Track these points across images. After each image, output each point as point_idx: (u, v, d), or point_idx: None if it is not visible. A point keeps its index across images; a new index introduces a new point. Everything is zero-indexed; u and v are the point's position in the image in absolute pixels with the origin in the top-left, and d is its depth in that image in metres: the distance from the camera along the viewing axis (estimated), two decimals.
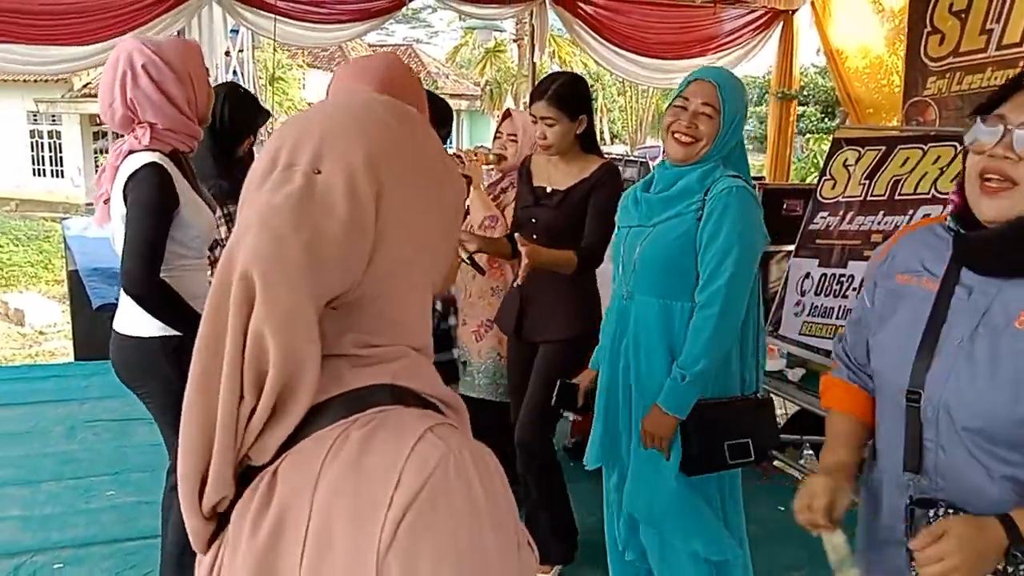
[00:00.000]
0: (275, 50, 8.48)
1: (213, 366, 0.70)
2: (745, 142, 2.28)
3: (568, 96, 2.69)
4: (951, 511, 1.29)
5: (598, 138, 2.92)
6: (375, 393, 0.72)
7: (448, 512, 0.67)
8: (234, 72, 7.46)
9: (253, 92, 8.07)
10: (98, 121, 22.17)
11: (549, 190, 2.79)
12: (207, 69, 2.35)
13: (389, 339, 0.76)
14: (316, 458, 0.70)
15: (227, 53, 6.62)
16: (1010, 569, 1.23)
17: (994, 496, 1.27)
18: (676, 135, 2.14)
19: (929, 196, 3.60)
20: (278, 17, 5.45)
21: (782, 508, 3.30)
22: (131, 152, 2.17)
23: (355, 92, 0.83)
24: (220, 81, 5.03)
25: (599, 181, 2.70)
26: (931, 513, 1.31)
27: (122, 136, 2.23)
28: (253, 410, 0.70)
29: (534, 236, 2.74)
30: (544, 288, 2.77)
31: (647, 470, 2.23)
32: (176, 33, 5.72)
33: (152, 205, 2.11)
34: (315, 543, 0.68)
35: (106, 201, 2.22)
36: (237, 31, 5.95)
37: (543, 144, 2.72)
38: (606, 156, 2.90)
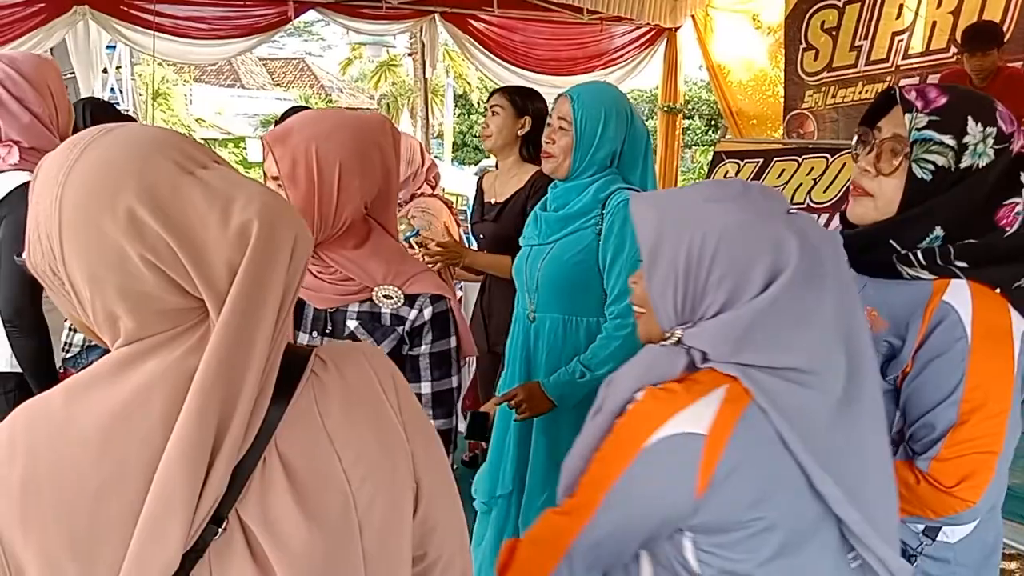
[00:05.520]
0: (156, 66, 8.22)
1: None
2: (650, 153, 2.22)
3: (520, 93, 2.81)
4: None
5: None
6: None
7: None
8: (112, 90, 7.17)
9: (134, 111, 7.75)
10: None
11: (493, 203, 2.81)
12: (65, 84, 2.24)
13: None
14: None
15: (105, 71, 6.36)
16: None
17: None
18: (541, 151, 2.16)
19: (804, 206, 3.78)
20: (157, 33, 5.28)
21: None
22: None
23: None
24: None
25: (533, 188, 2.68)
26: None
27: None
28: None
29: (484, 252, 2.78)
30: (502, 299, 2.74)
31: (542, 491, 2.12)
32: (50, 50, 5.48)
33: None
34: None
35: None
36: (115, 47, 5.72)
37: (484, 134, 2.80)
38: None
